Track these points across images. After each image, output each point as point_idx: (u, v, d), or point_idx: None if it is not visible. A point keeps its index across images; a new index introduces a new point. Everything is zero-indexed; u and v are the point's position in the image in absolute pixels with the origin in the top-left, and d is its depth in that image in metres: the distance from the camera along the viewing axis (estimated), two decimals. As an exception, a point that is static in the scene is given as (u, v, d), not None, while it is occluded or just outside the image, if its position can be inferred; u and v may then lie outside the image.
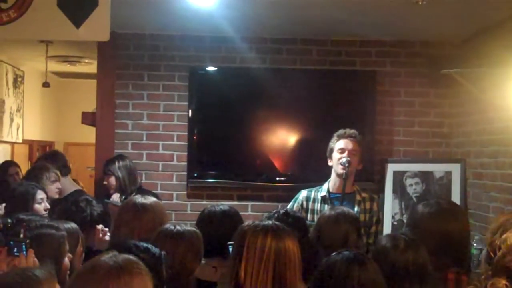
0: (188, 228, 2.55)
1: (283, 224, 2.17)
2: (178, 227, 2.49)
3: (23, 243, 1.98)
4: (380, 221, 3.88)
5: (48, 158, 4.62)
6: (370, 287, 1.99)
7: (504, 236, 2.13)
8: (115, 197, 4.18)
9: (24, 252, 1.96)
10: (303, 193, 3.83)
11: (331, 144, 3.82)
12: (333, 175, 3.79)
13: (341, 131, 3.83)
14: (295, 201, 3.84)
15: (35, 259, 1.90)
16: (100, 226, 3.19)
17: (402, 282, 2.21)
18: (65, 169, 4.47)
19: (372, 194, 3.90)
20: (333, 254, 2.12)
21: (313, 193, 3.81)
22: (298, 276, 2.01)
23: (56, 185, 4.12)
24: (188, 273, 2.42)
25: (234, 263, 2.00)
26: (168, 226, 2.53)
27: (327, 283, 2.02)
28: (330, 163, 3.80)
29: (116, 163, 4.32)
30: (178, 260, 2.36)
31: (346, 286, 1.98)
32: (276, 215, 2.87)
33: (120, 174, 4.28)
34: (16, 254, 1.97)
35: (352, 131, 3.82)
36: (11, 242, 2.01)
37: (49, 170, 4.14)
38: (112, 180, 4.28)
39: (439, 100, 4.83)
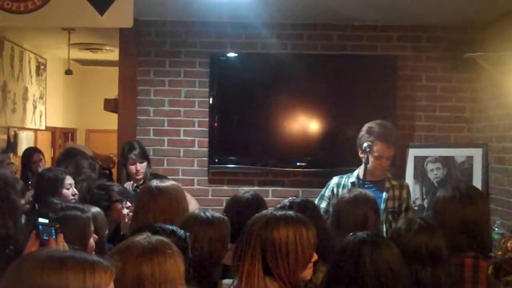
0: (217, 215, 2.49)
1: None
2: (207, 214, 2.44)
3: (53, 227, 1.90)
4: (410, 208, 3.76)
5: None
6: (383, 268, 1.97)
7: None
8: (128, 186, 4.07)
9: (54, 237, 1.93)
10: (335, 180, 3.81)
11: (366, 139, 3.64)
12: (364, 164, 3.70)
13: (380, 131, 3.62)
14: (327, 188, 3.82)
15: (65, 243, 1.89)
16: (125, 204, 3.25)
17: (414, 264, 2.21)
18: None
19: (402, 182, 3.84)
20: (350, 234, 2.11)
21: (344, 179, 3.79)
22: (301, 266, 1.96)
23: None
24: (215, 261, 2.38)
25: (235, 250, 2.02)
26: (198, 212, 2.49)
27: (341, 262, 2.02)
28: (360, 155, 3.68)
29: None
30: (207, 247, 2.34)
31: (358, 265, 1.97)
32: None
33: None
34: (45, 238, 1.93)
35: (391, 132, 3.67)
36: (40, 226, 1.93)
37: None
38: (144, 165, 4.14)
39: (461, 85, 4.79)
